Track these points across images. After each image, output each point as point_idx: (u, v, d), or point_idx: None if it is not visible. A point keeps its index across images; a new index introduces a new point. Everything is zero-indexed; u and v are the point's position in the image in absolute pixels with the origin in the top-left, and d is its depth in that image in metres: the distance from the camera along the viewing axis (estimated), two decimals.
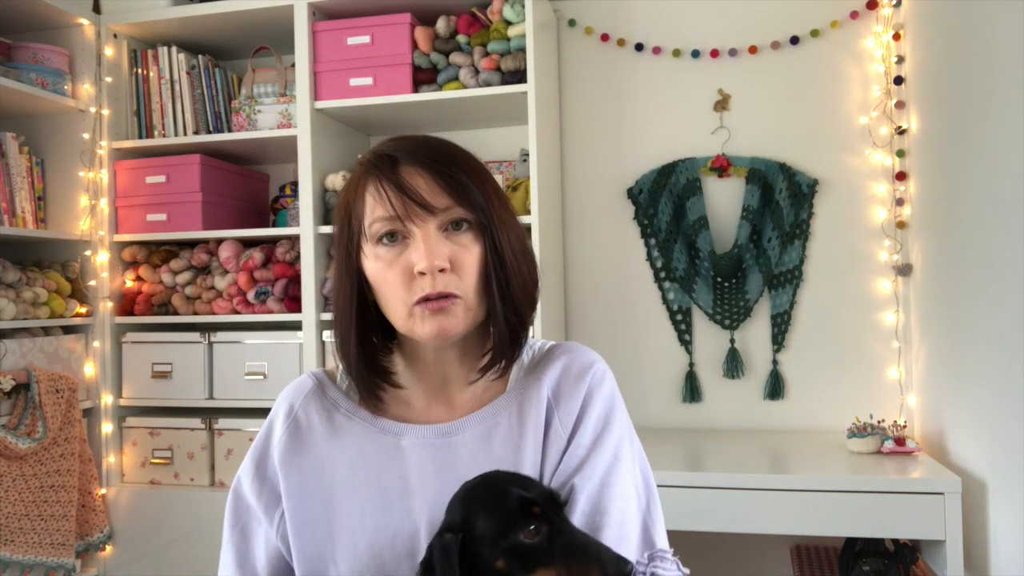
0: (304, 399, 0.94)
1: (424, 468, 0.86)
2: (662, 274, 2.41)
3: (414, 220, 0.83)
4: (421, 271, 0.82)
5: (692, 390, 2.37)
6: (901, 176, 2.22)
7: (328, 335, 2.19)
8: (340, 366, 0.94)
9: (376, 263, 0.85)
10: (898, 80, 2.22)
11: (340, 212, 0.90)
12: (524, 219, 2.10)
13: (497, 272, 0.86)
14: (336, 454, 0.89)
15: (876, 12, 2.27)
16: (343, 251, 0.89)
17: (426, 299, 0.83)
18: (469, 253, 0.85)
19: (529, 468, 0.84)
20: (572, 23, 2.48)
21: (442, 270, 0.82)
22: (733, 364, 2.34)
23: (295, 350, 2.25)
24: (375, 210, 0.84)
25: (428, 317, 0.83)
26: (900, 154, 2.23)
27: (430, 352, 0.90)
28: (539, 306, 2.08)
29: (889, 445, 1.97)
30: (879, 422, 2.06)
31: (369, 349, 0.89)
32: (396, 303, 0.85)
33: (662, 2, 2.42)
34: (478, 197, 0.85)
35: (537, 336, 2.06)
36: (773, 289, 2.33)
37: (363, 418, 0.91)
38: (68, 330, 2.31)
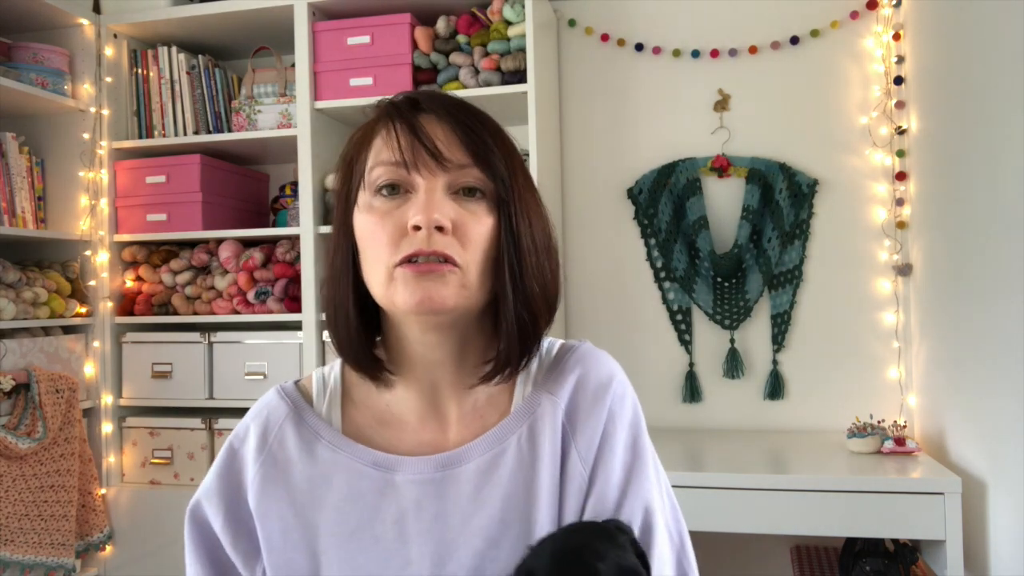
0: (279, 429, 0.79)
1: (422, 510, 0.73)
2: (662, 274, 2.41)
3: (421, 171, 0.71)
4: (416, 225, 0.69)
5: (692, 390, 2.37)
6: (901, 176, 2.22)
7: (329, 335, 2.19)
8: (314, 377, 0.84)
9: (368, 216, 0.73)
10: (898, 80, 2.22)
11: (346, 158, 0.78)
12: None
13: (510, 255, 0.73)
14: (321, 494, 0.75)
15: (876, 12, 2.27)
16: (341, 206, 0.77)
17: (414, 257, 0.69)
18: (478, 222, 0.72)
19: (545, 511, 0.73)
20: (572, 23, 2.48)
21: (441, 229, 0.70)
22: (733, 364, 2.34)
23: (295, 350, 2.25)
24: (380, 153, 0.73)
25: (412, 280, 0.69)
26: (900, 154, 2.23)
27: (417, 345, 0.76)
28: None
29: (889, 445, 1.97)
30: (879, 422, 2.06)
31: (368, 323, 0.77)
32: (378, 263, 0.71)
33: (662, 2, 2.42)
34: (500, 166, 0.73)
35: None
36: (773, 289, 2.33)
37: (350, 451, 0.77)
38: (68, 330, 2.31)
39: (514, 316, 0.74)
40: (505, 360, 0.76)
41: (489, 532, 0.73)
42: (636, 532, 0.73)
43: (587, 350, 0.83)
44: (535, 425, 0.76)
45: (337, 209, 0.78)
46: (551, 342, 0.85)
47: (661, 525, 0.75)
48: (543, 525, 0.73)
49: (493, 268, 0.73)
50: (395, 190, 0.72)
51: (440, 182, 0.71)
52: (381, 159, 0.73)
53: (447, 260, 0.70)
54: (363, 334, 0.77)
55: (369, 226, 0.73)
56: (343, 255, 0.76)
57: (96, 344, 2.34)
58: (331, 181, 2.25)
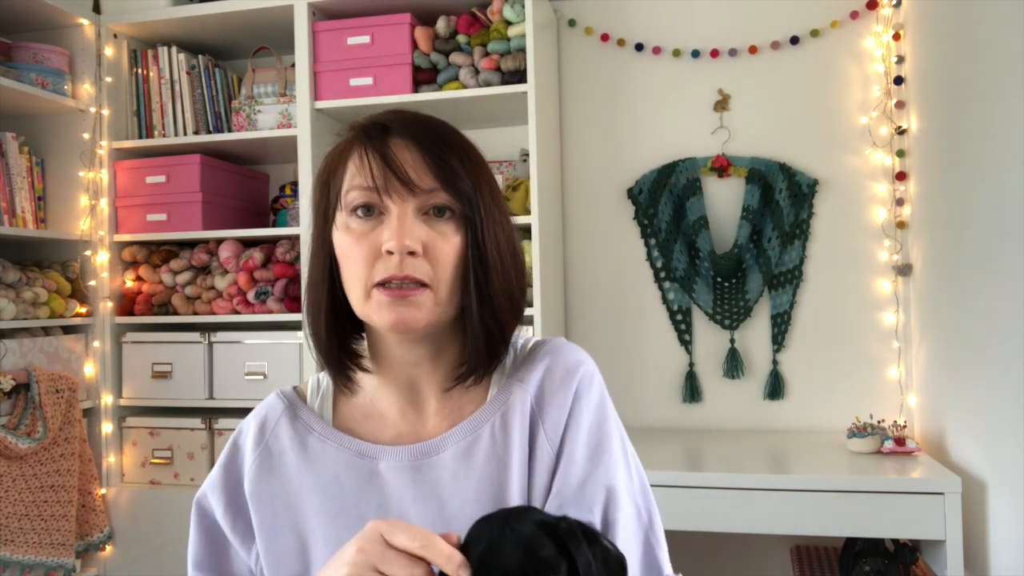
0: (275, 424, 0.87)
1: (404, 496, 0.79)
2: (662, 274, 2.41)
3: (392, 196, 0.77)
4: (389, 250, 0.75)
5: (692, 390, 2.37)
6: (901, 176, 2.22)
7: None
8: (310, 380, 0.91)
9: (345, 236, 0.79)
10: (898, 80, 2.22)
11: (321, 178, 0.84)
12: (524, 219, 2.10)
13: (476, 269, 0.79)
14: (310, 482, 0.82)
15: (876, 12, 2.27)
16: (319, 220, 0.83)
17: (388, 282, 0.76)
18: (446, 242, 0.78)
19: (516, 489, 0.78)
20: (572, 23, 2.48)
21: (412, 253, 0.76)
22: (733, 364, 2.34)
23: (295, 350, 2.25)
24: (354, 178, 0.79)
25: (388, 304, 0.76)
26: (900, 154, 2.23)
27: (394, 348, 0.83)
28: (539, 306, 2.10)
29: (889, 445, 1.97)
30: (879, 422, 2.06)
31: (340, 328, 0.83)
32: (356, 282, 0.78)
33: (662, 2, 2.42)
34: (467, 186, 0.79)
35: (537, 336, 2.06)
36: (773, 289, 2.33)
37: (338, 441, 0.84)
38: (68, 330, 2.31)
39: (480, 326, 0.80)
40: (474, 366, 0.82)
41: (465, 513, 0.77)
42: (599, 508, 0.76)
43: (558, 343, 0.88)
44: (507, 413, 0.81)
45: (315, 223, 0.84)
46: (527, 339, 0.90)
47: (626, 503, 0.78)
48: (514, 503, 0.78)
49: (462, 283, 0.79)
50: (369, 212, 0.78)
51: (411, 206, 0.77)
52: (355, 183, 0.78)
53: (418, 283, 0.76)
54: (336, 342, 0.83)
55: (347, 246, 0.79)
56: (320, 266, 0.82)
57: (96, 344, 2.34)
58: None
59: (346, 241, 0.79)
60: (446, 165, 0.78)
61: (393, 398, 0.85)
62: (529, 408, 0.81)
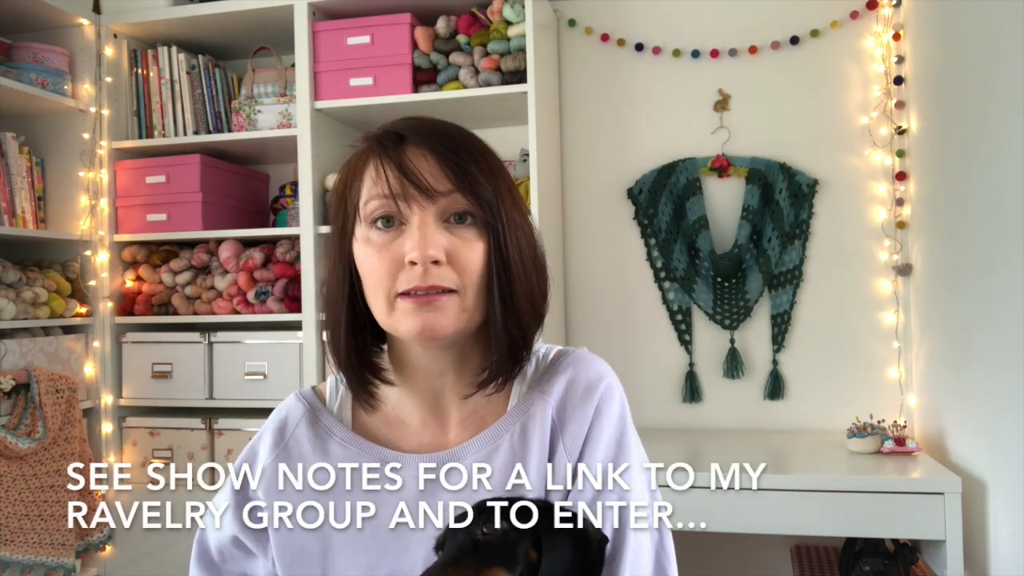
0: (296, 427, 0.87)
1: (422, 503, 0.80)
2: (662, 274, 2.41)
3: (411, 204, 0.76)
4: (413, 260, 0.74)
5: (692, 390, 2.37)
6: (901, 176, 2.22)
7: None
8: (328, 381, 0.90)
9: (366, 247, 0.78)
10: (898, 80, 2.22)
11: (338, 190, 0.83)
12: None
13: (500, 275, 0.78)
14: (331, 485, 0.82)
15: (876, 12, 2.27)
16: (337, 234, 0.82)
17: (413, 292, 0.75)
18: (470, 248, 0.77)
19: (530, 498, 0.78)
20: (572, 23, 2.48)
21: (436, 262, 0.75)
22: (733, 364, 2.34)
23: (295, 350, 2.25)
24: (372, 188, 0.78)
25: (413, 311, 0.75)
26: (900, 154, 2.23)
27: (419, 358, 0.83)
28: None
29: (889, 445, 1.97)
30: (879, 422, 2.06)
31: (361, 343, 0.83)
32: (379, 294, 0.77)
33: (662, 2, 2.42)
34: (487, 192, 0.77)
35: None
36: (773, 289, 2.33)
37: (359, 447, 0.84)
38: (68, 330, 2.31)
39: (504, 333, 0.79)
40: (496, 372, 0.81)
41: None
42: (610, 524, 0.77)
43: (581, 354, 0.87)
44: (527, 423, 0.81)
45: (333, 238, 0.83)
46: (548, 348, 0.90)
47: (639, 519, 0.78)
48: None
49: (487, 287, 0.78)
50: (390, 222, 0.77)
51: (431, 213, 0.76)
52: (373, 194, 0.77)
53: (445, 290, 0.75)
54: (356, 358, 0.82)
55: (368, 259, 0.78)
56: (339, 281, 0.82)
57: (96, 344, 2.34)
58: (331, 181, 2.25)
59: (367, 254, 0.78)
60: (464, 171, 0.77)
61: (416, 407, 0.85)
62: (550, 420, 0.81)
